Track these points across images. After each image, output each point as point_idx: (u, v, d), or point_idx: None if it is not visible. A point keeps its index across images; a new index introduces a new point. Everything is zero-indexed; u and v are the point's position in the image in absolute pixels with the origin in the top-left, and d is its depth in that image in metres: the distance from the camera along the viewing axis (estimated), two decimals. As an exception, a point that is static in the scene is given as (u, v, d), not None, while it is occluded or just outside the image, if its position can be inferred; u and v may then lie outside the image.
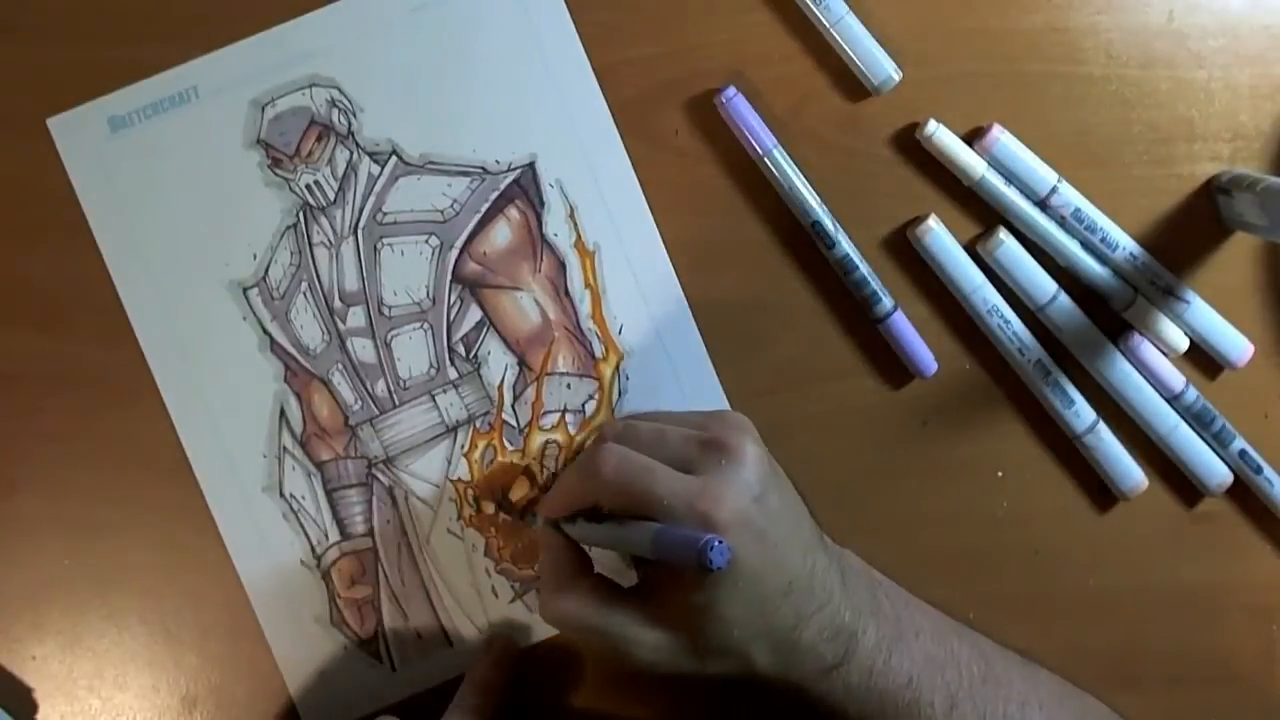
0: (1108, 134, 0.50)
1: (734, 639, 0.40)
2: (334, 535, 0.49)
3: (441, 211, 0.49)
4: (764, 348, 0.50)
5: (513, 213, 0.49)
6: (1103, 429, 0.50)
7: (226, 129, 0.48)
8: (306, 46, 0.48)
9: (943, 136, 0.48)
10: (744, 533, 0.39)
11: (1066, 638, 0.51)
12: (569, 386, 0.50)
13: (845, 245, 0.49)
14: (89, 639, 0.49)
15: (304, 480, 0.49)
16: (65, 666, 0.49)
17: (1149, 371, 0.50)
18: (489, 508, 0.50)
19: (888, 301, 0.49)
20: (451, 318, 0.49)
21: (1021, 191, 0.49)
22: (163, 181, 0.48)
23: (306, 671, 0.49)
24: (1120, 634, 0.52)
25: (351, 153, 0.49)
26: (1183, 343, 0.50)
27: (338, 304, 0.49)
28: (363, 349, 0.49)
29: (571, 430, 0.50)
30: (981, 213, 0.50)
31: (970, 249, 0.50)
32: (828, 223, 0.49)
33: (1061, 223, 0.49)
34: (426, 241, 0.49)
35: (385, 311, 0.49)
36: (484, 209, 0.49)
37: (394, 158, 0.49)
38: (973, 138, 0.49)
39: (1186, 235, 0.51)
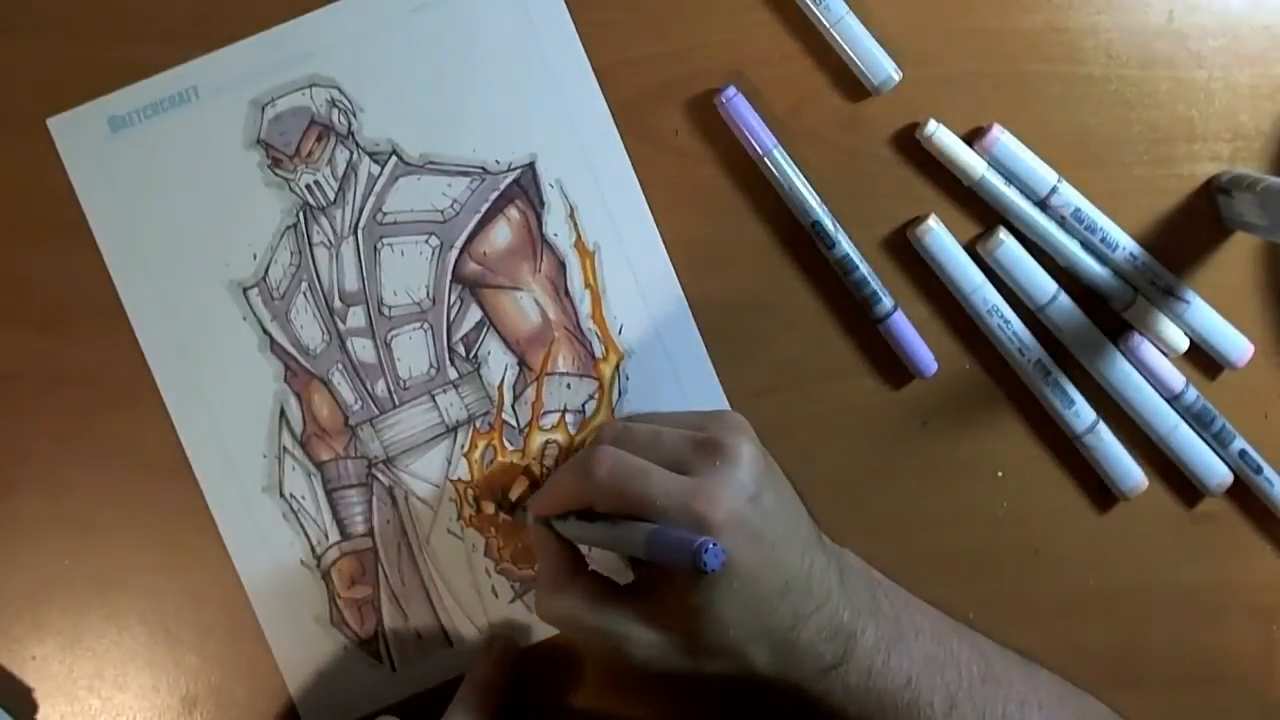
0: (1108, 134, 0.50)
1: (731, 639, 0.40)
2: (334, 535, 0.49)
3: (441, 211, 0.49)
4: (764, 348, 0.50)
5: (513, 213, 0.49)
6: (1103, 429, 0.50)
7: (226, 129, 0.48)
8: (306, 46, 0.48)
9: (943, 136, 0.48)
10: (739, 533, 0.39)
11: (1066, 638, 0.51)
12: (569, 386, 0.50)
13: (845, 245, 0.49)
14: (89, 639, 0.49)
15: (304, 480, 0.49)
16: (65, 666, 0.49)
17: (1149, 371, 0.50)
18: (489, 508, 0.50)
19: (888, 301, 0.49)
20: (451, 318, 0.49)
21: (1021, 191, 0.49)
22: (163, 181, 0.48)
23: (306, 671, 0.49)
24: (1120, 634, 0.52)
25: (351, 153, 0.49)
26: (1183, 343, 0.50)
27: (338, 304, 0.49)
28: (363, 349, 0.49)
29: (571, 430, 0.50)
30: (981, 213, 0.50)
31: (970, 249, 0.50)
32: (828, 223, 0.49)
33: (1061, 223, 0.49)
34: (426, 241, 0.49)
35: (385, 311, 0.49)
36: (484, 209, 0.49)
37: (394, 158, 0.49)
38: (973, 138, 0.49)
39: (1186, 235, 0.51)
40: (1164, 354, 0.50)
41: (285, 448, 0.49)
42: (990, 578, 0.51)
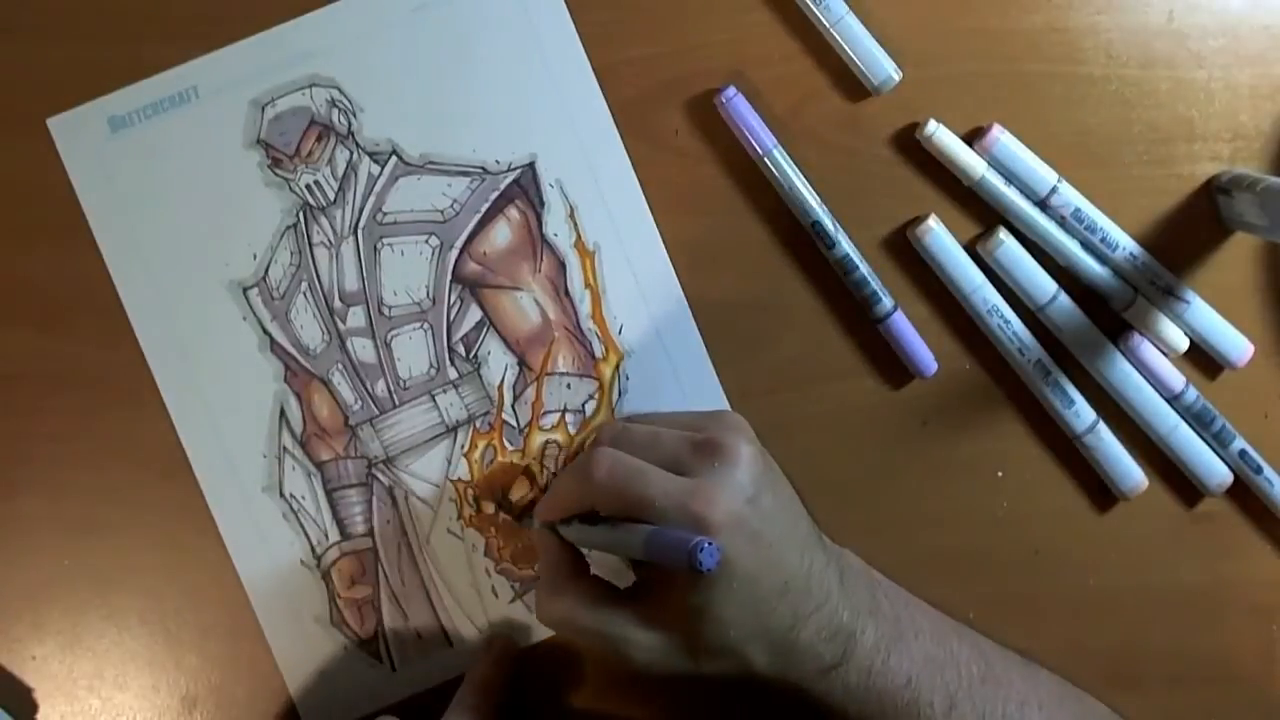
0: (1108, 134, 0.50)
1: (730, 639, 0.40)
2: (334, 535, 0.49)
3: (441, 211, 0.49)
4: (764, 348, 0.50)
5: (513, 213, 0.49)
6: (1103, 429, 0.50)
7: (226, 129, 0.48)
8: (306, 46, 0.48)
9: (943, 136, 0.48)
10: (737, 534, 0.39)
11: (1066, 638, 0.51)
12: (569, 386, 0.50)
13: (845, 245, 0.49)
14: (89, 639, 0.49)
15: (304, 480, 0.49)
16: (65, 666, 0.49)
17: (1149, 371, 0.50)
18: (489, 508, 0.50)
19: (888, 301, 0.49)
20: (451, 318, 0.49)
21: (1021, 191, 0.49)
22: (163, 181, 0.48)
23: (306, 671, 0.49)
24: (1120, 634, 0.52)
25: (351, 153, 0.49)
26: (1183, 343, 0.50)
27: (338, 304, 0.49)
28: (363, 349, 0.49)
29: (571, 430, 0.50)
30: (981, 213, 0.50)
31: (970, 249, 0.50)
32: (828, 223, 0.49)
33: (1061, 223, 0.49)
34: (426, 241, 0.49)
35: (385, 311, 0.49)
36: (484, 209, 0.49)
37: (394, 158, 0.49)
38: (973, 138, 0.49)
39: (1186, 235, 0.51)
40: (1164, 354, 0.50)
41: (285, 448, 0.49)
42: (990, 578, 0.51)
